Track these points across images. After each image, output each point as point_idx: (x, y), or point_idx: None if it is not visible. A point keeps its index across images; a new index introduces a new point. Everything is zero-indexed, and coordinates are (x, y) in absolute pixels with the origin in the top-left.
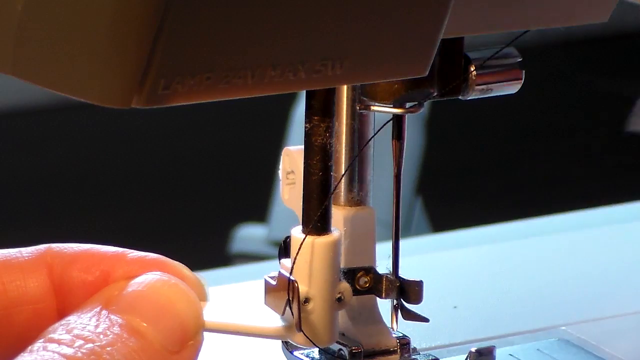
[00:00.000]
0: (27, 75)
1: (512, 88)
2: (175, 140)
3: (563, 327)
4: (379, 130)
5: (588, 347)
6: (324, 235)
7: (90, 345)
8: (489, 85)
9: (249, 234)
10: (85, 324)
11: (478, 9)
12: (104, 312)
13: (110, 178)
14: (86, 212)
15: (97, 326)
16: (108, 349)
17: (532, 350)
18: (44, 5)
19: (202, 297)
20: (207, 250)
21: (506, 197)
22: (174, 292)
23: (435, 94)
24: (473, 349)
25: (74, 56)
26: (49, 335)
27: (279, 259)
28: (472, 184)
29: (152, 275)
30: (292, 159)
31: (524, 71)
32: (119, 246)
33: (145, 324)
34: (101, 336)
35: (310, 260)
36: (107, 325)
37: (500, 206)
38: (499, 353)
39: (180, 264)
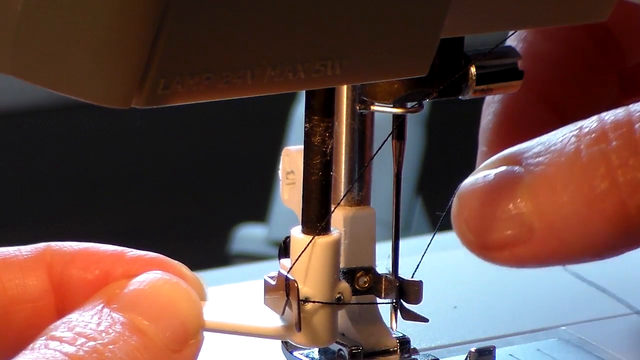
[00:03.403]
0: (27, 75)
1: (512, 88)
2: (175, 140)
3: (563, 327)
4: (388, 137)
5: (588, 347)
6: (324, 235)
7: (92, 343)
8: (489, 85)
9: (249, 234)
10: (87, 321)
11: (478, 9)
12: (105, 310)
13: (110, 178)
14: (86, 212)
15: (99, 324)
16: (110, 347)
17: (532, 350)
18: (43, 5)
19: (202, 296)
20: (207, 250)
21: None
22: (175, 291)
23: (435, 94)
24: (473, 349)
25: (74, 56)
26: (51, 333)
27: (279, 259)
28: None
29: (154, 274)
30: (292, 159)
31: (524, 71)
32: (119, 246)
33: (147, 322)
34: (103, 334)
35: (310, 260)
36: (109, 324)
37: None
38: (499, 353)
39: (179, 263)
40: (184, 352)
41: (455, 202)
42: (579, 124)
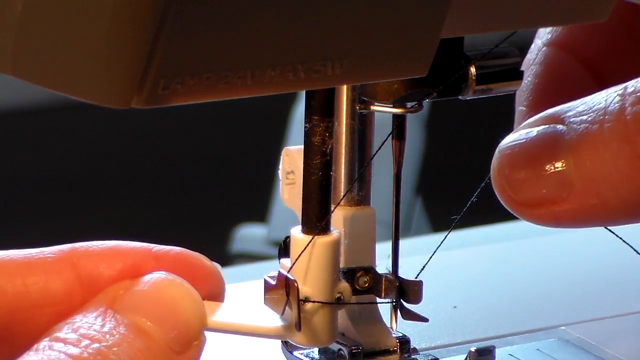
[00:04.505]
0: (27, 75)
1: (512, 88)
2: (175, 140)
3: (563, 327)
4: (387, 137)
5: (588, 347)
6: (324, 235)
7: (96, 345)
8: (489, 85)
9: (249, 234)
10: (91, 323)
11: (478, 9)
12: (109, 311)
13: (110, 178)
14: (86, 212)
15: (103, 325)
16: (114, 349)
17: (532, 350)
18: (43, 5)
19: (218, 287)
20: (207, 250)
21: None
22: (179, 292)
23: (435, 94)
24: (473, 349)
25: (74, 56)
26: (55, 334)
27: (279, 259)
28: (472, 184)
29: (157, 274)
30: (292, 159)
31: (523, 71)
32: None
33: (151, 324)
34: (107, 336)
35: (310, 260)
36: (113, 325)
37: (500, 206)
38: (499, 353)
39: (199, 254)
40: (187, 353)
41: (495, 158)
42: (624, 84)
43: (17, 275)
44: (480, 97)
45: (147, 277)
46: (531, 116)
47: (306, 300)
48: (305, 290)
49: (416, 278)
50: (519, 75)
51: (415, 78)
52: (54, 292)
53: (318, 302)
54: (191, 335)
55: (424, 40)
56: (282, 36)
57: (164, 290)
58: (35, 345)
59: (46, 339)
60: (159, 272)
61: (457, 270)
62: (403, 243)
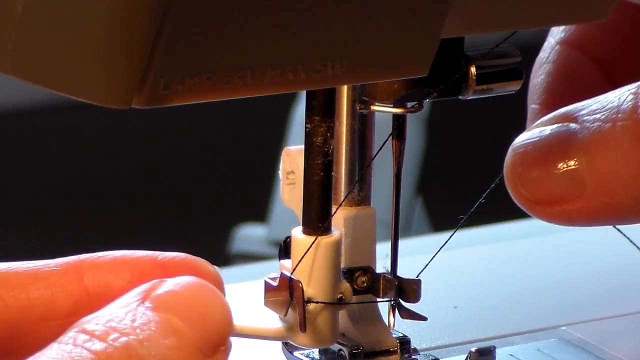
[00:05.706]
0: (27, 75)
1: (512, 88)
2: (175, 140)
3: (563, 327)
4: (388, 138)
5: (588, 347)
6: (327, 235)
7: (124, 338)
8: (489, 85)
9: (249, 234)
10: (122, 317)
11: (478, 9)
12: (140, 308)
13: (110, 178)
14: (86, 212)
15: (133, 321)
16: (145, 343)
17: (532, 350)
18: (44, 5)
19: (220, 290)
20: (207, 250)
21: (506, 197)
22: (210, 296)
23: (435, 94)
24: (473, 349)
25: (74, 56)
26: (83, 327)
27: (279, 259)
28: (472, 184)
29: (188, 277)
30: (292, 159)
31: (524, 71)
32: (119, 247)
33: (182, 324)
34: (138, 330)
35: (314, 260)
36: (144, 321)
37: (500, 206)
38: (499, 353)
39: (202, 260)
40: (215, 357)
41: (508, 156)
42: (638, 82)
43: (21, 288)
44: (480, 97)
45: (178, 279)
46: (544, 114)
47: (310, 300)
48: (308, 291)
49: (416, 277)
50: (519, 75)
51: (416, 78)
52: (59, 305)
53: (322, 302)
54: (219, 340)
55: (424, 40)
56: (282, 36)
57: (196, 292)
58: (60, 337)
59: (73, 330)
60: (188, 275)
61: (457, 270)
62: (403, 243)
